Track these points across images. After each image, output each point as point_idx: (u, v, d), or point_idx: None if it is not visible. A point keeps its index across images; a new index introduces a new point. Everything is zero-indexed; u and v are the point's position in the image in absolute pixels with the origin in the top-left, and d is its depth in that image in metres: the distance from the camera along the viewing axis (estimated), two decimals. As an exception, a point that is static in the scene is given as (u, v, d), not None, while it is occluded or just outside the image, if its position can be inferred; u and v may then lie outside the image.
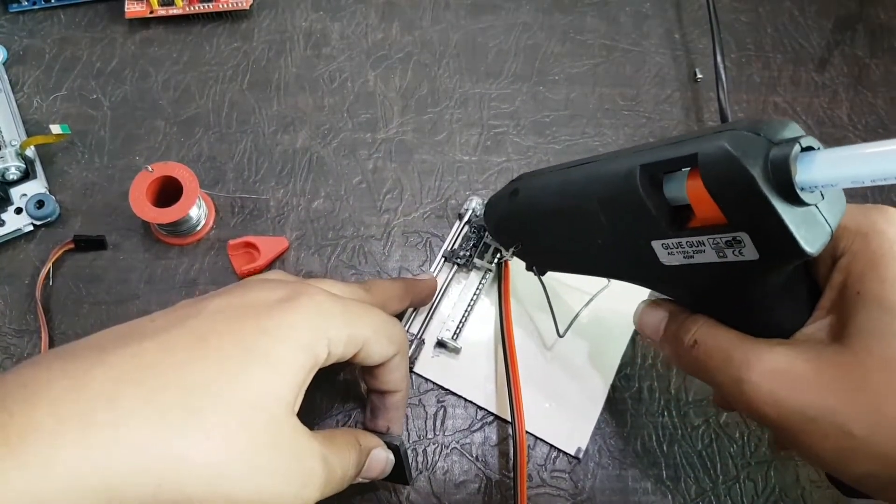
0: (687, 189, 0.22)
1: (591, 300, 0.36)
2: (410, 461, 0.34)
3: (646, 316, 0.28)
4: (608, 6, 0.46)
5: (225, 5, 0.43)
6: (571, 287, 0.37)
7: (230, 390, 0.22)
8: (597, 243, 0.26)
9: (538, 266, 0.33)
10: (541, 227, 0.30)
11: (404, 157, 0.41)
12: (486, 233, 0.37)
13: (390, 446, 0.30)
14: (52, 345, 0.36)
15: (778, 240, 0.20)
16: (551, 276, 0.33)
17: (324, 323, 0.25)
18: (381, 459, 0.29)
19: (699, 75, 0.44)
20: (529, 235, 0.31)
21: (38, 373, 0.21)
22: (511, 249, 0.33)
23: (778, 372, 0.22)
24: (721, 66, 0.41)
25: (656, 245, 0.24)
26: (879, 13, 0.46)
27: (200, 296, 0.26)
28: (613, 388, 0.36)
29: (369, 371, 0.30)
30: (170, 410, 0.21)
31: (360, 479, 0.28)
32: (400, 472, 0.31)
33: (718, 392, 0.27)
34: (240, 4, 0.43)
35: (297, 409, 0.24)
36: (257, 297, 0.25)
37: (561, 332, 0.35)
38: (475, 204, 0.39)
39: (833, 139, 0.42)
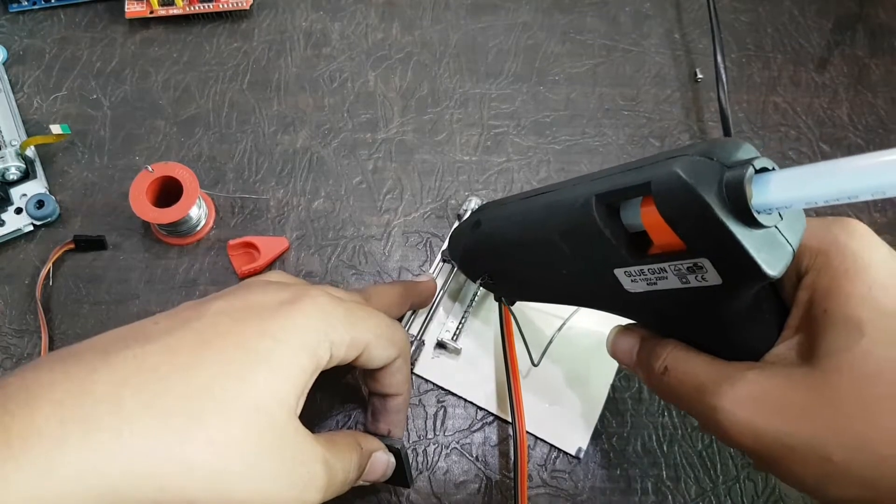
0: (641, 217, 0.21)
1: (563, 325, 0.35)
2: (411, 463, 0.34)
3: (618, 342, 0.28)
4: (608, 6, 0.46)
5: (225, 5, 0.43)
6: (545, 312, 0.36)
7: (233, 394, 0.22)
8: (561, 273, 0.26)
9: (506, 296, 0.32)
10: (505, 258, 0.29)
11: (404, 157, 0.41)
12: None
13: (391, 449, 0.30)
14: (52, 345, 0.36)
15: (739, 264, 0.19)
16: (525, 303, 0.32)
17: (326, 326, 0.25)
18: (382, 462, 0.29)
19: (699, 75, 0.44)
20: (495, 267, 0.31)
21: (40, 375, 0.21)
22: (479, 281, 0.32)
23: (751, 399, 0.21)
24: (721, 66, 0.41)
25: (619, 273, 0.23)
26: (879, 13, 0.46)
27: (203, 297, 0.26)
28: (613, 388, 0.36)
29: (371, 374, 0.30)
30: (172, 414, 0.21)
31: (361, 482, 0.28)
32: (401, 475, 0.31)
33: (695, 418, 0.27)
34: (240, 4, 0.43)
35: (299, 411, 0.24)
36: (260, 300, 0.25)
37: (535, 360, 0.34)
38: (473, 204, 0.39)
39: (833, 139, 0.42)
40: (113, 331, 0.24)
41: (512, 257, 0.29)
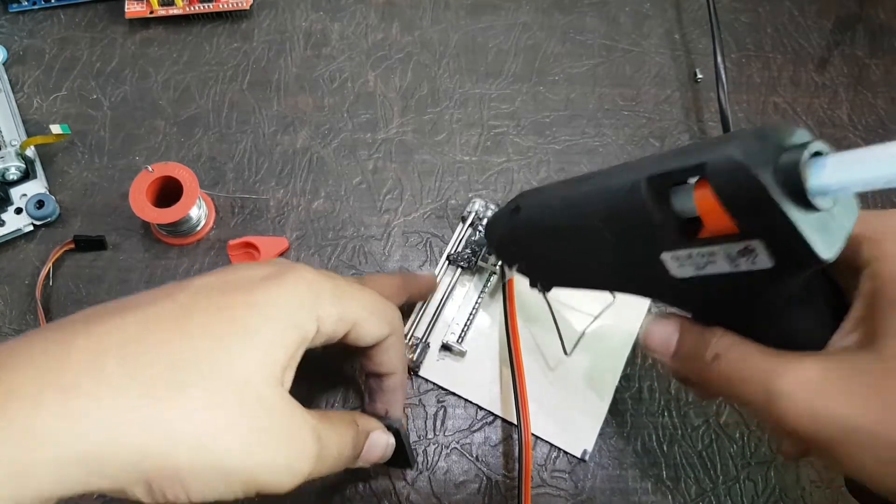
0: (695, 199, 0.21)
1: (595, 318, 0.35)
2: (411, 443, 0.34)
3: (654, 331, 0.26)
4: (608, 6, 0.46)
5: (225, 5, 0.43)
6: (573, 307, 0.37)
7: (216, 364, 0.22)
8: (603, 259, 0.26)
9: (542, 283, 0.32)
10: (544, 244, 0.29)
11: (404, 157, 0.41)
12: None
13: (390, 429, 0.30)
14: (52, 345, 0.36)
15: (792, 247, 0.19)
16: (553, 297, 0.32)
17: (312, 299, 0.25)
18: (380, 442, 0.29)
19: (699, 75, 0.44)
20: (533, 253, 0.31)
21: (21, 345, 0.21)
22: (514, 267, 0.32)
23: (812, 382, 0.21)
24: (721, 66, 0.41)
25: (666, 257, 0.23)
26: (879, 13, 0.46)
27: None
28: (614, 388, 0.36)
29: (364, 353, 0.30)
30: (154, 384, 0.21)
31: (360, 464, 0.28)
32: (402, 456, 0.30)
33: (746, 407, 0.26)
34: (240, 4, 0.43)
35: (287, 384, 0.24)
36: (244, 274, 0.25)
37: (568, 350, 0.34)
38: (478, 206, 0.39)
39: (833, 139, 0.42)
40: (98, 305, 0.24)
41: (551, 244, 0.29)
